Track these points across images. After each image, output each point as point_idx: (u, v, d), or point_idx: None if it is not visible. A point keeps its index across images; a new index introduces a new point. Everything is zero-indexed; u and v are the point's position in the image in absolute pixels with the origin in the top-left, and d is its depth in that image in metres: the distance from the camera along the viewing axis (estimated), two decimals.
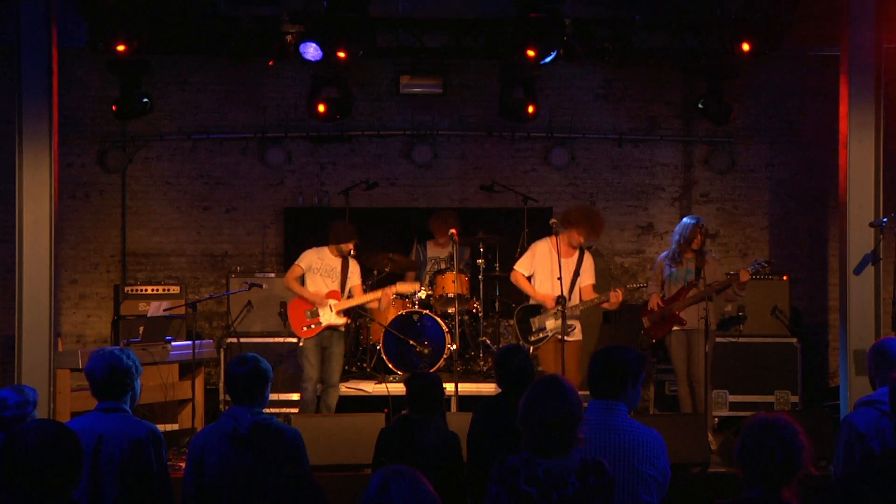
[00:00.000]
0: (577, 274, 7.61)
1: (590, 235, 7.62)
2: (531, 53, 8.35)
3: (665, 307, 7.60)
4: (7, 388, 4.69)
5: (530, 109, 9.29)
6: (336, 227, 7.98)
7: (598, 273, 8.01)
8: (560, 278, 7.38)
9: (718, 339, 7.90)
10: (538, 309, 7.73)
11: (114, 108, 9.09)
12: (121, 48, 8.31)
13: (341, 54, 8.43)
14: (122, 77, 9.04)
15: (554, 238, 7.51)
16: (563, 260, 7.46)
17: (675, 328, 7.60)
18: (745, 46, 8.58)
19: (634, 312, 9.08)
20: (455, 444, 4.87)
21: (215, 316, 10.21)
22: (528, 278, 7.73)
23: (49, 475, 3.15)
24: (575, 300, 7.63)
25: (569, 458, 3.32)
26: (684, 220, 7.79)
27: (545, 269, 7.63)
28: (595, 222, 7.62)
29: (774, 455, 3.04)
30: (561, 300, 7.38)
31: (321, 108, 9.20)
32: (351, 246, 7.94)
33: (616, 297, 7.47)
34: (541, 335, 7.67)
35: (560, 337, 7.42)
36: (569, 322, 7.46)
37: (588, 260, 7.71)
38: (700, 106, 9.44)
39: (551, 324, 7.62)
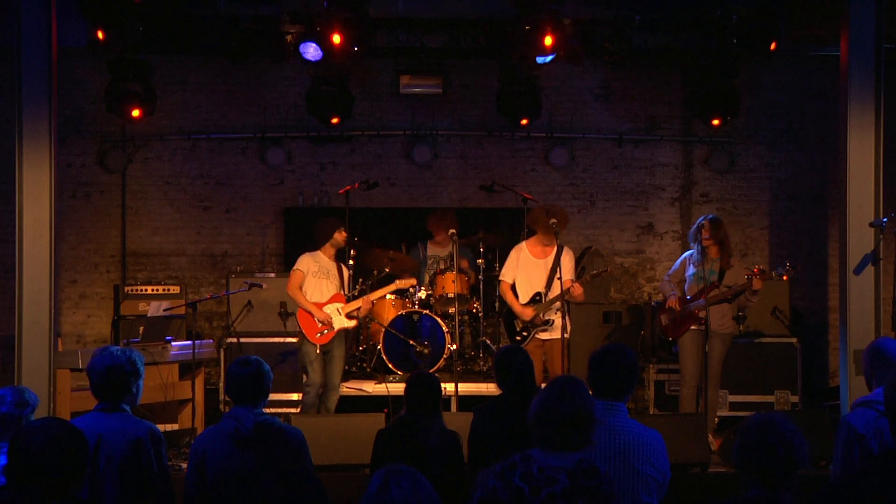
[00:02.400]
0: (553, 271, 7.61)
1: (550, 228, 7.58)
2: (549, 42, 8.38)
3: (685, 306, 7.57)
4: (8, 388, 4.69)
5: (523, 122, 9.41)
6: (319, 226, 7.91)
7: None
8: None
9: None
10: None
11: (136, 112, 9.03)
12: (100, 35, 8.24)
13: (336, 39, 8.37)
14: (123, 76, 9.03)
15: (526, 241, 7.83)
16: (539, 260, 7.68)
17: (692, 327, 7.57)
18: (772, 46, 8.68)
19: (633, 312, 9.10)
20: (457, 444, 4.88)
21: (215, 316, 10.21)
22: (514, 285, 7.79)
23: (56, 473, 3.17)
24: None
25: (569, 457, 3.32)
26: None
27: (523, 273, 7.76)
28: (545, 216, 7.61)
29: (776, 453, 3.04)
30: (537, 297, 7.65)
31: (334, 120, 9.35)
32: (345, 235, 7.90)
33: (576, 289, 7.47)
34: (524, 334, 7.73)
35: (543, 338, 7.61)
36: (546, 318, 7.60)
37: (566, 257, 7.70)
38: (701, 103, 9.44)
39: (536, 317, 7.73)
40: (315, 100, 9.34)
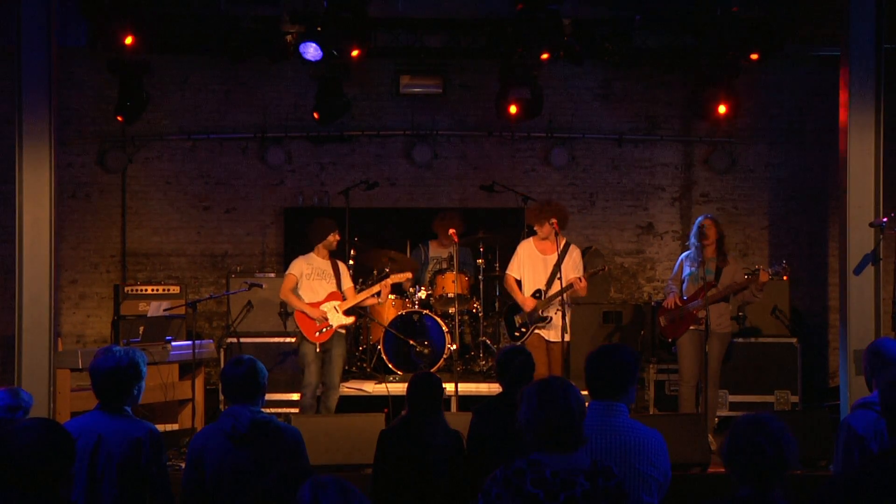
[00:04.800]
0: (557, 269, 7.62)
1: (545, 220, 7.60)
2: (545, 56, 8.44)
3: (682, 306, 7.58)
4: (2, 390, 4.68)
5: (512, 110, 9.23)
6: (313, 227, 7.92)
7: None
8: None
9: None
10: (519, 307, 7.84)
11: (119, 118, 9.13)
12: (129, 41, 8.26)
13: (354, 52, 8.42)
14: (122, 77, 9.03)
15: (534, 238, 7.82)
16: (544, 257, 7.70)
17: (690, 328, 7.58)
18: (754, 56, 8.67)
19: (633, 311, 9.10)
20: (460, 442, 4.89)
21: (215, 316, 10.21)
22: (519, 281, 7.83)
23: (40, 473, 3.14)
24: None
25: (577, 459, 3.31)
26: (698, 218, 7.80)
27: (528, 269, 7.79)
28: (540, 210, 7.67)
29: (765, 452, 3.04)
30: (537, 294, 7.66)
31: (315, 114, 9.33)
32: (337, 237, 7.89)
33: (579, 283, 7.47)
34: (523, 330, 7.77)
35: (545, 337, 7.61)
36: (545, 314, 7.60)
37: (572, 256, 7.72)
38: (701, 110, 9.46)
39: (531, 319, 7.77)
40: (323, 102, 9.34)
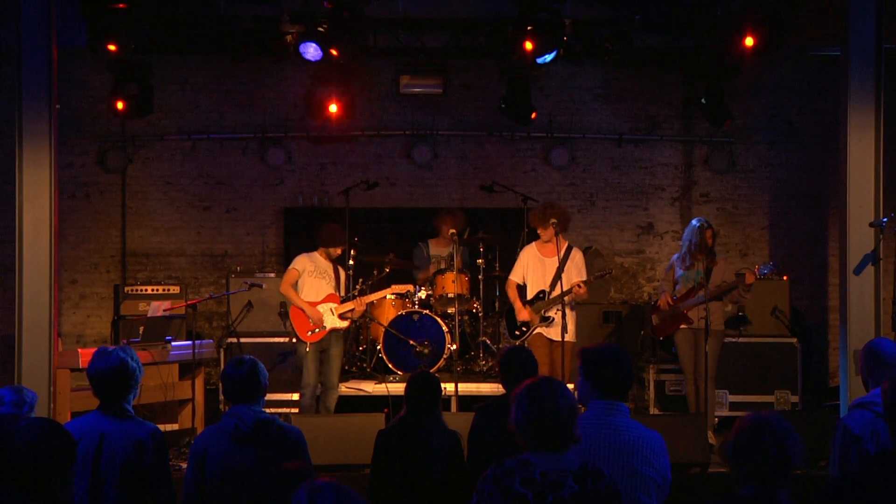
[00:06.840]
0: (560, 271, 7.65)
1: (548, 224, 7.64)
2: (529, 46, 8.38)
3: (674, 305, 7.65)
4: (6, 387, 4.69)
5: (533, 116, 9.41)
6: (327, 229, 7.97)
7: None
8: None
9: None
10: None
11: (119, 105, 9.05)
12: (112, 48, 8.32)
13: (334, 52, 8.46)
14: (122, 77, 9.03)
15: (536, 242, 7.91)
16: (547, 259, 7.76)
17: (682, 326, 7.64)
18: (749, 41, 8.56)
19: (633, 311, 9.10)
20: (459, 443, 4.89)
21: (215, 316, 10.21)
22: (522, 286, 7.91)
23: (40, 473, 3.13)
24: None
25: (567, 459, 3.31)
26: (692, 222, 7.80)
27: (531, 273, 7.86)
28: (543, 213, 7.73)
29: (769, 452, 3.05)
30: (541, 295, 7.76)
31: (333, 107, 9.23)
32: (339, 251, 7.96)
33: (579, 289, 7.53)
34: (524, 329, 7.83)
35: (546, 336, 7.70)
36: (547, 315, 7.69)
37: (574, 259, 7.79)
38: (703, 101, 9.44)
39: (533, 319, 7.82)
40: (316, 100, 9.33)
